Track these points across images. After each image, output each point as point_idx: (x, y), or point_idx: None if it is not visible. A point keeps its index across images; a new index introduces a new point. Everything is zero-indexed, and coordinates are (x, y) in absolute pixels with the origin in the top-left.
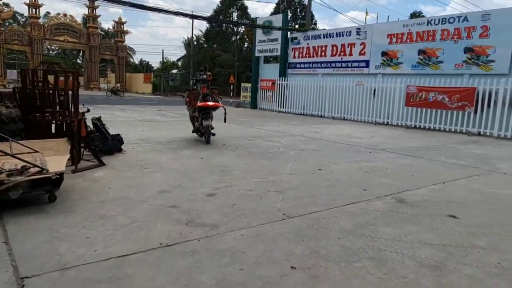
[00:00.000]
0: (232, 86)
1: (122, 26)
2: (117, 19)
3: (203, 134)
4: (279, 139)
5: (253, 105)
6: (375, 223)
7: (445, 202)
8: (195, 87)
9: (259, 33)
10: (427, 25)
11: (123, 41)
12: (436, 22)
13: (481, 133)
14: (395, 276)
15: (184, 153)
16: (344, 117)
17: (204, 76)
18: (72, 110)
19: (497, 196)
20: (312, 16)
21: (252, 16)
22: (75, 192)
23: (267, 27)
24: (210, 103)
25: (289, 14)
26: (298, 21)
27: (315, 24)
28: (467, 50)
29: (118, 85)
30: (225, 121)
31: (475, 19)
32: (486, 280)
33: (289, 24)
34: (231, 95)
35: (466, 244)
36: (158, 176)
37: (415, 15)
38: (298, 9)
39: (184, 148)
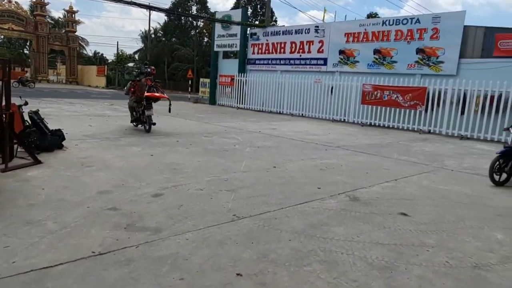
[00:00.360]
0: (190, 81)
1: (73, 15)
2: (67, 8)
3: (144, 123)
4: (236, 136)
5: (212, 101)
6: (328, 223)
7: (397, 199)
8: (138, 79)
9: (218, 28)
10: (382, 25)
11: (75, 31)
12: (391, 23)
13: (431, 131)
14: (346, 280)
15: (133, 150)
16: (302, 114)
17: (148, 70)
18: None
19: (445, 193)
20: (273, 13)
21: (212, 10)
22: (2, 193)
23: (226, 22)
24: (157, 94)
25: (250, 10)
26: (259, 18)
27: (276, 21)
28: (419, 51)
29: (28, 74)
30: (169, 111)
31: (426, 21)
32: (435, 280)
33: (249, 20)
34: (190, 90)
35: (417, 242)
36: (100, 175)
37: (372, 16)
38: (259, 6)
39: (133, 145)
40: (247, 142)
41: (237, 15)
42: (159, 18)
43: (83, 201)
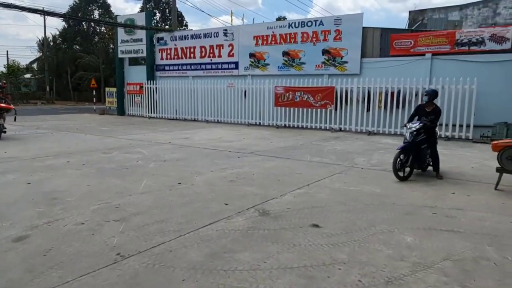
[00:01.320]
0: (94, 91)
1: None
2: None
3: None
4: (141, 150)
5: (121, 111)
6: (232, 249)
7: (309, 208)
8: None
9: (121, 33)
10: (289, 27)
11: None
12: (297, 25)
13: (342, 129)
14: None
15: (6, 179)
16: (218, 120)
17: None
18: None
19: (356, 194)
20: (183, 18)
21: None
22: None
23: (129, 26)
24: (3, 105)
25: (158, 15)
26: (168, 22)
27: (186, 26)
28: (324, 52)
29: None
30: (15, 120)
31: (329, 23)
32: None
33: (159, 24)
34: (94, 101)
35: (328, 260)
36: None
37: (280, 20)
38: (167, 10)
39: (9, 172)
40: (153, 156)
41: (140, 19)
42: (60, 25)
43: None
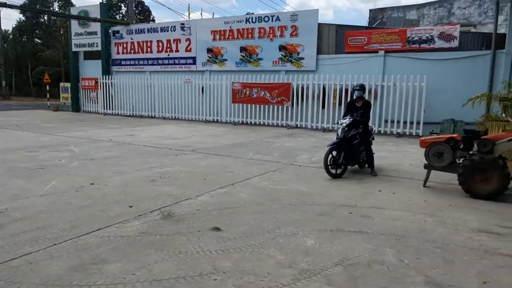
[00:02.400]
0: (48, 87)
1: None
2: None
3: None
4: (73, 148)
5: (75, 107)
6: (105, 259)
7: (220, 209)
8: None
9: (75, 25)
10: (246, 23)
11: None
12: (254, 20)
13: (298, 125)
14: None
15: None
16: (176, 117)
17: None
18: None
19: (279, 194)
20: (150, 12)
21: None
22: None
23: (81, 18)
24: None
25: (124, 9)
26: (137, 16)
27: (154, 21)
28: (281, 48)
29: None
30: None
31: (286, 19)
32: None
33: (126, 19)
34: (48, 97)
35: (207, 270)
36: None
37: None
38: (135, 3)
39: None
40: (82, 155)
41: (95, 11)
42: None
43: None
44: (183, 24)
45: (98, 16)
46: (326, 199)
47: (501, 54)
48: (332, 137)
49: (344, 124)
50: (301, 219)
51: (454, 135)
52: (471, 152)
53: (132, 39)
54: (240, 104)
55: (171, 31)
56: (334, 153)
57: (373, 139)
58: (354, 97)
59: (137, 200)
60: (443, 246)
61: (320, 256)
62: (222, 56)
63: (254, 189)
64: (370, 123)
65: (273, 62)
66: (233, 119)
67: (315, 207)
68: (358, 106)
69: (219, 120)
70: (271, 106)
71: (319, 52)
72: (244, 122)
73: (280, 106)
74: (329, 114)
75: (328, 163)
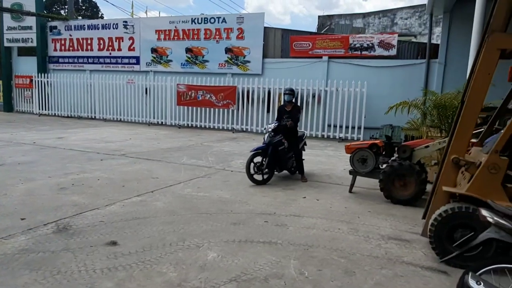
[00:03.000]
0: None
1: None
2: None
3: None
4: None
5: (8, 107)
6: None
7: (127, 220)
8: None
9: (7, 18)
10: (192, 23)
11: None
12: (200, 21)
13: (244, 129)
14: None
15: None
16: (118, 119)
17: None
18: None
19: (199, 202)
20: (98, 9)
21: None
22: None
23: (14, 11)
24: None
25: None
26: (82, 12)
27: (102, 17)
28: (227, 50)
29: None
30: None
31: (232, 21)
32: None
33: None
34: None
35: None
36: None
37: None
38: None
39: None
40: None
41: (30, 4)
42: None
43: None
44: (126, 22)
45: (33, 10)
46: (246, 207)
47: (434, 64)
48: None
49: (270, 129)
50: (211, 230)
51: (377, 141)
52: (393, 158)
53: (71, 35)
54: (185, 107)
55: (113, 28)
56: (260, 158)
57: (305, 144)
58: (283, 102)
59: (34, 212)
60: (349, 256)
61: (217, 271)
62: (167, 57)
63: (174, 197)
64: (303, 129)
65: (219, 64)
66: (178, 122)
67: (232, 215)
68: (288, 111)
69: (163, 123)
70: (216, 109)
71: (265, 55)
72: (189, 125)
73: (225, 110)
74: (274, 118)
75: (250, 170)
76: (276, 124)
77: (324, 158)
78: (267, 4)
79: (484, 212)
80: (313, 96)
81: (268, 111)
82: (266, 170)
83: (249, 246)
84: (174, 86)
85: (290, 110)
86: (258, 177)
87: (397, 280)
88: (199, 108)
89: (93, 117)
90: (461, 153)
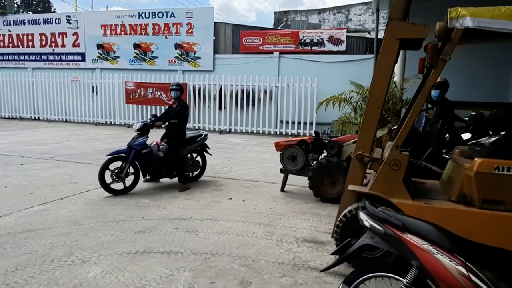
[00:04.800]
0: None
1: None
2: None
3: None
4: None
5: None
6: None
7: (16, 233)
8: None
9: None
10: (139, 18)
11: None
12: (147, 15)
13: (196, 127)
14: None
15: None
16: (65, 119)
17: None
18: None
19: (111, 208)
20: (50, 4)
21: None
22: None
23: None
24: None
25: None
26: (33, 7)
27: (55, 12)
28: (177, 46)
29: None
30: None
31: (181, 16)
32: None
33: (21, 10)
34: None
35: None
36: None
37: None
38: None
39: None
40: None
41: None
42: None
43: None
44: (69, 16)
45: None
46: (161, 212)
47: None
48: (224, 139)
49: (135, 129)
50: (108, 241)
51: (306, 138)
52: (323, 155)
53: (10, 31)
54: (135, 105)
55: (56, 23)
56: (121, 163)
57: (207, 147)
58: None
59: None
60: (252, 264)
61: None
62: (114, 53)
63: (84, 204)
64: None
65: (169, 61)
66: (126, 122)
67: (141, 222)
68: (174, 108)
69: (112, 123)
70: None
71: (216, 51)
72: None
73: None
74: (226, 116)
75: (105, 178)
76: (142, 123)
77: (269, 156)
78: (232, 1)
79: (362, 215)
80: (265, 92)
81: (220, 108)
82: (127, 176)
83: (144, 258)
84: (122, 83)
85: (176, 107)
86: (118, 185)
87: None
88: (148, 107)
89: (36, 118)
90: (366, 149)
